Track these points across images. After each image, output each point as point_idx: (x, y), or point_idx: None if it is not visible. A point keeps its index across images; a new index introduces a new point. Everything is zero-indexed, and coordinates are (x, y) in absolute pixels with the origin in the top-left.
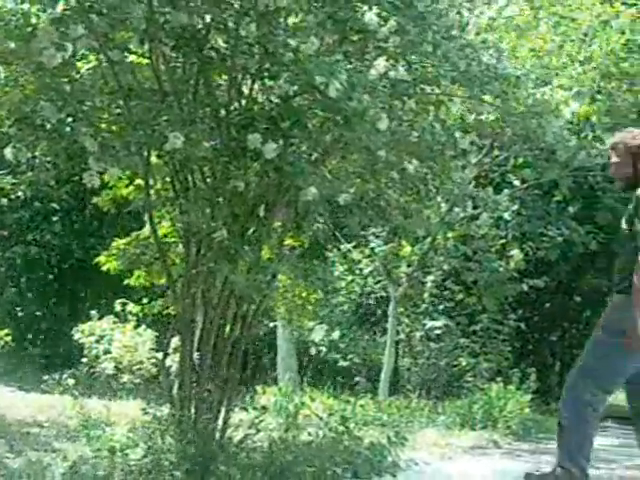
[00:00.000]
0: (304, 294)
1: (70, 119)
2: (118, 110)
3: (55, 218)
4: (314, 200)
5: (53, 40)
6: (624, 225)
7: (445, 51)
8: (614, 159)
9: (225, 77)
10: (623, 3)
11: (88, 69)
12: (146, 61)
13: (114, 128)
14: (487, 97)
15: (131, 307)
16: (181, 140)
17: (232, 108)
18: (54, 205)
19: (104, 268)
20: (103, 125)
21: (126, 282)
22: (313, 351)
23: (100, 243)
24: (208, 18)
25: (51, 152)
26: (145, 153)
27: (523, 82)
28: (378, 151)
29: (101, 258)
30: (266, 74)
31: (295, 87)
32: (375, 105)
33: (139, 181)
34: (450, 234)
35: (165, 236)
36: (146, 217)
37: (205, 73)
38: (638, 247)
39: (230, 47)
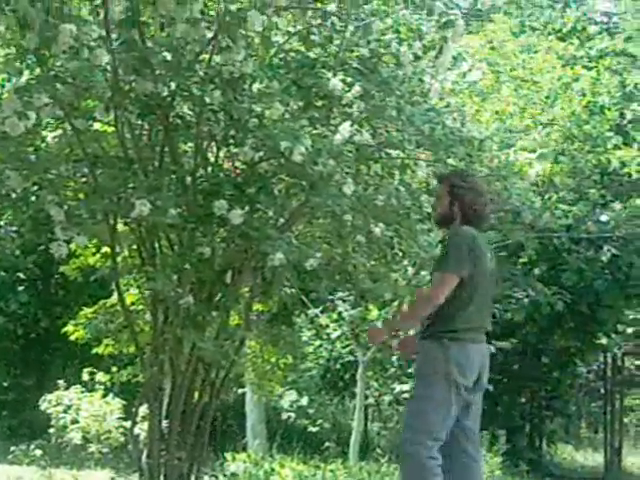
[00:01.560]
0: (273, 359)
1: (35, 188)
2: (84, 179)
3: (21, 287)
4: (281, 265)
5: (16, 109)
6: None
7: (409, 115)
8: (440, 193)
9: (191, 144)
10: (584, 66)
11: (54, 137)
12: (111, 129)
13: (80, 196)
14: (451, 160)
15: (99, 376)
16: (148, 207)
17: (198, 175)
18: (20, 274)
19: (72, 337)
20: (69, 193)
21: (94, 351)
22: (282, 417)
23: (67, 312)
24: (173, 85)
25: (17, 221)
26: (112, 221)
27: (487, 145)
28: (344, 215)
29: (69, 328)
30: (231, 141)
31: (260, 153)
32: (341, 169)
33: (106, 249)
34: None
35: (132, 304)
36: (113, 285)
37: (170, 140)
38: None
39: (195, 114)
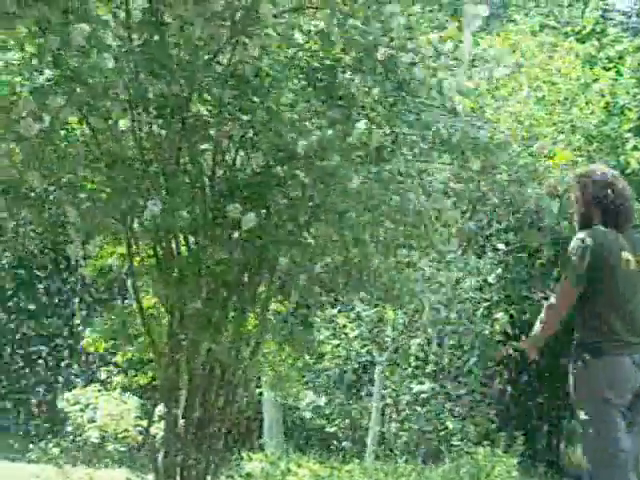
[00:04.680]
0: (289, 360)
1: (52, 188)
2: (101, 178)
3: (40, 286)
4: (296, 266)
5: (31, 110)
6: None
7: (426, 118)
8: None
9: (207, 145)
10: (603, 67)
11: (68, 136)
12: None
13: (97, 196)
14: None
15: (115, 377)
16: (159, 208)
17: (216, 177)
18: (38, 272)
19: (91, 349)
20: (85, 195)
21: (113, 360)
22: (299, 417)
23: (83, 310)
24: (188, 88)
25: (34, 220)
26: (128, 220)
27: (505, 150)
28: (347, 213)
29: (85, 342)
30: (248, 141)
31: (273, 153)
32: (348, 165)
33: (122, 249)
34: (434, 298)
35: (148, 308)
36: (129, 286)
37: (187, 141)
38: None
39: (212, 115)
